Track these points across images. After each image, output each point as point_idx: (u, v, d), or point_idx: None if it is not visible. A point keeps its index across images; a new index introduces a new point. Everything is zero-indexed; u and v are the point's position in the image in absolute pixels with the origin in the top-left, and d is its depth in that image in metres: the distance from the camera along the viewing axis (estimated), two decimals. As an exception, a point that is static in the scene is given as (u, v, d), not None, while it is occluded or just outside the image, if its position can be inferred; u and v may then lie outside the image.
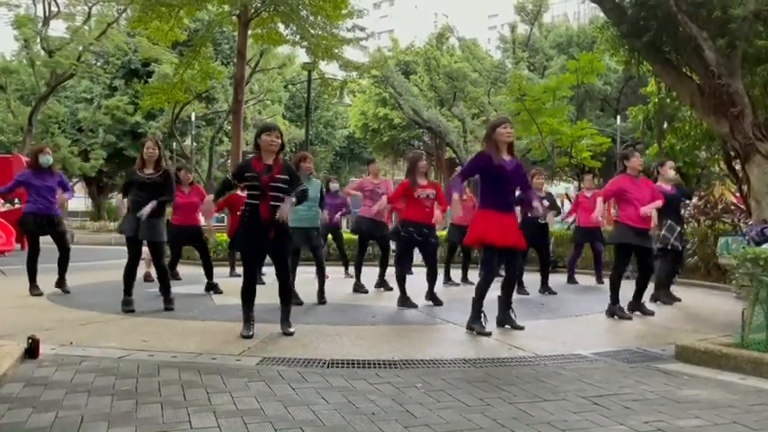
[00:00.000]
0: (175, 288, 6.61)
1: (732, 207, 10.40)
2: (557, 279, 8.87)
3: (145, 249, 6.30)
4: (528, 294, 7.71)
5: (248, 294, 4.85)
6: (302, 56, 23.10)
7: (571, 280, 9.27)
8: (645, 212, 5.99)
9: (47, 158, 6.99)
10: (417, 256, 7.56)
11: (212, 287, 7.53)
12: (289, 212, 4.76)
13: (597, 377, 3.74)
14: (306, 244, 6.51)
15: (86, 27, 24.88)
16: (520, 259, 5.49)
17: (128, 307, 5.87)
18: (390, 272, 9.02)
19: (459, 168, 7.75)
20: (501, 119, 5.47)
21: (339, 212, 9.10)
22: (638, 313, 6.17)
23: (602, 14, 10.60)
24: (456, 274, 9.11)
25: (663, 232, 6.91)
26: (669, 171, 7.05)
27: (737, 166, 9.48)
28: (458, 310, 6.25)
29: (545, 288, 7.99)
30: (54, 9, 25.05)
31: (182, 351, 4.24)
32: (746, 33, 8.12)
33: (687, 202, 8.88)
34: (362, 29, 21.11)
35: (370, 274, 8.20)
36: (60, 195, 7.01)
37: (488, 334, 4.99)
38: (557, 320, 6.00)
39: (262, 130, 4.83)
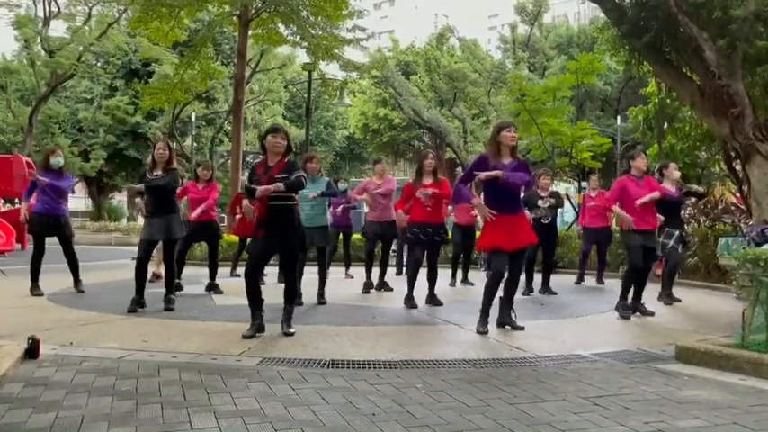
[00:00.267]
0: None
1: (732, 208, 10.40)
2: (557, 279, 8.87)
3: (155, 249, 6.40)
4: (531, 293, 7.80)
5: (249, 292, 4.86)
6: (302, 56, 23.11)
7: (581, 280, 9.30)
8: (640, 203, 5.99)
9: (58, 160, 7.08)
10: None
11: (213, 287, 7.54)
12: (269, 192, 4.61)
13: (597, 378, 3.74)
14: (311, 243, 6.54)
15: (87, 27, 24.91)
16: (523, 260, 5.48)
17: (132, 306, 5.90)
18: (390, 272, 9.06)
19: (459, 169, 7.77)
20: (505, 123, 5.52)
21: (341, 206, 8.97)
22: (638, 314, 6.17)
23: (602, 15, 10.60)
24: (454, 273, 9.11)
25: (661, 239, 6.87)
26: (674, 172, 7.05)
27: (738, 167, 9.47)
28: (458, 310, 6.26)
29: (545, 288, 8.00)
30: (54, 9, 25.07)
31: (182, 351, 4.24)
32: (747, 34, 8.12)
33: (688, 202, 8.88)
34: (363, 29, 21.09)
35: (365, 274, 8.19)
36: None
37: (484, 333, 5.05)
38: (557, 321, 6.00)
39: (267, 132, 4.91)
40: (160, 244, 6.43)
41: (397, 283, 8.48)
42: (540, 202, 7.89)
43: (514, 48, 33.06)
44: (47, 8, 25.08)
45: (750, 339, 4.13)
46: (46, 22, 25.04)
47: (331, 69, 20.43)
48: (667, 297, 7.13)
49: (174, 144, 29.86)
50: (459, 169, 26.74)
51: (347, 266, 9.63)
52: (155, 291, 6.58)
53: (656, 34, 8.70)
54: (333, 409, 3.03)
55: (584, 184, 17.49)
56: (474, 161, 5.40)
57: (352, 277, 9.18)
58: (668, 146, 11.20)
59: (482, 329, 5.10)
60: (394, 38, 37.93)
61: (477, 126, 29.32)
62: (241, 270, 5.23)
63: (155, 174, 6.00)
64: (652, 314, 6.16)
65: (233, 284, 7.90)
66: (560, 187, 30.75)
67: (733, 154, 9.24)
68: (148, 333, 4.84)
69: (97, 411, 2.95)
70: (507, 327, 5.28)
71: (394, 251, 10.79)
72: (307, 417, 2.91)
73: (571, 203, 13.16)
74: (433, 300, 6.65)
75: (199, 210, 7.47)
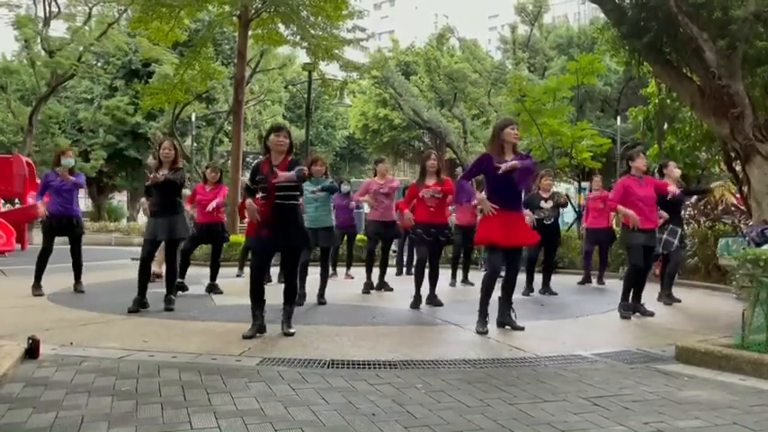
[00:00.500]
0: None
1: (732, 208, 10.40)
2: (557, 279, 8.86)
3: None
4: (531, 293, 7.80)
5: (254, 292, 4.86)
6: (302, 56, 23.06)
7: (586, 281, 9.30)
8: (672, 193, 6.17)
9: (68, 161, 7.16)
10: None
11: (213, 288, 7.54)
12: (283, 179, 4.65)
13: (597, 378, 3.74)
14: (315, 244, 6.55)
15: (87, 27, 24.88)
16: (519, 260, 5.49)
17: (133, 306, 5.91)
18: (390, 272, 9.06)
19: (459, 169, 7.78)
20: (508, 120, 5.53)
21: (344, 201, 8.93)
22: (637, 314, 6.17)
23: (602, 15, 10.60)
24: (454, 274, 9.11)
25: (665, 237, 6.87)
26: (675, 170, 7.06)
27: (738, 167, 9.47)
28: (458, 310, 6.26)
29: (546, 289, 8.00)
30: (54, 9, 25.04)
31: (182, 351, 4.24)
32: (747, 34, 8.12)
33: (688, 202, 8.87)
34: (363, 29, 21.05)
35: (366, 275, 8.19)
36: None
37: (483, 333, 5.05)
38: (557, 321, 6.00)
39: (270, 131, 4.92)
40: (162, 243, 6.43)
41: (398, 283, 8.49)
42: (542, 203, 7.91)
43: (514, 48, 33.03)
44: (47, 8, 25.07)
45: (750, 340, 4.13)
46: (46, 22, 25.02)
47: (331, 69, 20.39)
48: (667, 297, 7.13)
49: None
50: (459, 169, 26.73)
51: (348, 267, 9.65)
52: (155, 291, 6.58)
53: (657, 35, 8.70)
54: (333, 410, 3.03)
55: (584, 184, 17.45)
56: (477, 160, 5.40)
57: (353, 278, 9.18)
58: (668, 146, 11.19)
59: (482, 329, 5.10)
60: (394, 38, 37.91)
61: (477, 126, 29.31)
62: (246, 270, 5.24)
63: (161, 173, 6.02)
64: (652, 314, 6.17)
65: (233, 285, 7.91)
66: (560, 188, 30.80)
67: (733, 154, 9.24)
68: (148, 333, 4.84)
69: (97, 411, 2.95)
70: (507, 327, 5.28)
71: (394, 251, 10.79)
72: (307, 417, 2.91)
73: (571, 204, 13.11)
74: (433, 300, 6.65)
75: (213, 204, 7.51)
